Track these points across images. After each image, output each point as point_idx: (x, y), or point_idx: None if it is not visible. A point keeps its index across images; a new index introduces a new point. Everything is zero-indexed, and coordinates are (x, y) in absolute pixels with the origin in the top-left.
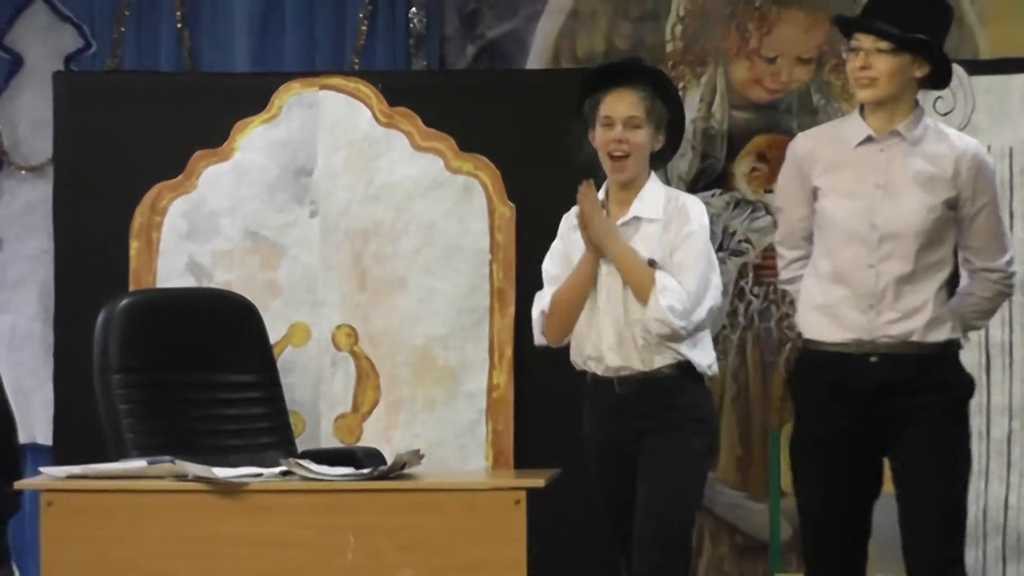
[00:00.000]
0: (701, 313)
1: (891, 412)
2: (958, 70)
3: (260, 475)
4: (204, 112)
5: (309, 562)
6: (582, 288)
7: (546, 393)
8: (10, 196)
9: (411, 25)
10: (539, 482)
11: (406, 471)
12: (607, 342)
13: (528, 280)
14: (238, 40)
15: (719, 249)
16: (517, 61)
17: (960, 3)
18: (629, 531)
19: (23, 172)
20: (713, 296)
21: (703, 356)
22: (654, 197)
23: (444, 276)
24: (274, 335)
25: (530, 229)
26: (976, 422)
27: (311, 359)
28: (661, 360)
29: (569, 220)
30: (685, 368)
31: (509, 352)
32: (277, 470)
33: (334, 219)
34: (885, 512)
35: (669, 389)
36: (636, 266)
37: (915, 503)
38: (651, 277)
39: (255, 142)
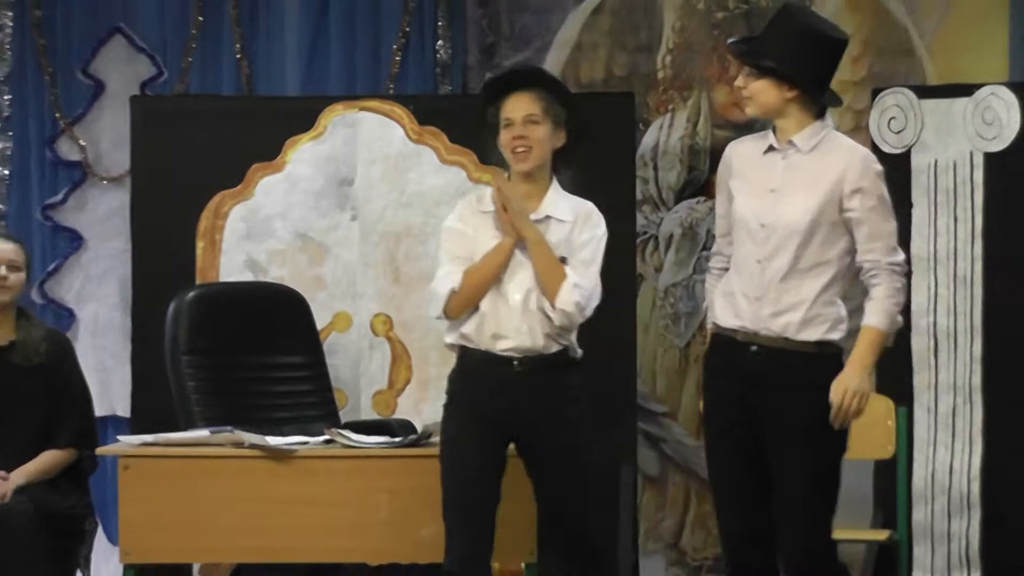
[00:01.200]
0: (592, 309)
1: (761, 403)
2: (909, 93)
3: (307, 443)
4: (260, 130)
5: (348, 519)
6: (497, 271)
7: None
8: (94, 203)
9: (438, 55)
10: None
11: (433, 439)
12: (513, 324)
13: None
14: (289, 68)
15: (703, 248)
16: None
17: (911, 37)
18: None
19: (105, 182)
20: (600, 294)
21: (576, 343)
22: (562, 201)
23: None
24: (320, 322)
25: None
26: (925, 398)
27: (352, 343)
28: (556, 345)
29: (473, 205)
30: (569, 352)
31: None
32: (321, 439)
33: (371, 223)
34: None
35: (559, 369)
36: (551, 257)
37: (779, 503)
38: (563, 272)
39: (304, 156)
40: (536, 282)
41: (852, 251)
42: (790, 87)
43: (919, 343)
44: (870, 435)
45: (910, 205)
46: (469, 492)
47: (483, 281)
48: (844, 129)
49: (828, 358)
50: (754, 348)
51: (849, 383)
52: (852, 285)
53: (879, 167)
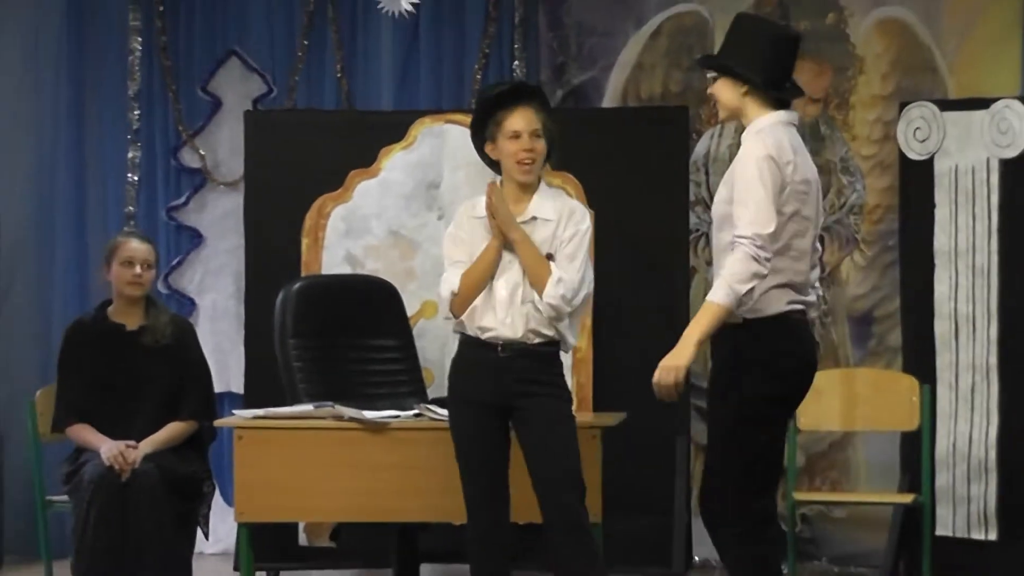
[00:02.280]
0: (579, 299)
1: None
2: (932, 107)
3: (398, 416)
4: (357, 141)
5: (432, 481)
6: (488, 270)
7: (614, 355)
8: (212, 205)
9: (514, 74)
10: (611, 421)
11: None
12: (499, 317)
13: (601, 266)
14: (384, 85)
15: None
16: (595, 101)
17: (934, 56)
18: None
19: (222, 187)
20: (588, 285)
21: (572, 335)
22: (547, 201)
23: None
24: (410, 310)
25: (604, 228)
26: (947, 376)
27: (438, 328)
28: (538, 337)
29: (468, 212)
30: (555, 343)
31: (589, 323)
32: (412, 412)
33: None
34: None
35: (540, 358)
36: (536, 255)
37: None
38: (548, 268)
39: (396, 163)
40: (525, 278)
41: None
42: (742, 83)
43: (941, 327)
44: (897, 410)
45: (933, 205)
46: (478, 469)
47: (477, 281)
48: (875, 138)
49: (730, 331)
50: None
51: (665, 360)
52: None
53: (761, 152)
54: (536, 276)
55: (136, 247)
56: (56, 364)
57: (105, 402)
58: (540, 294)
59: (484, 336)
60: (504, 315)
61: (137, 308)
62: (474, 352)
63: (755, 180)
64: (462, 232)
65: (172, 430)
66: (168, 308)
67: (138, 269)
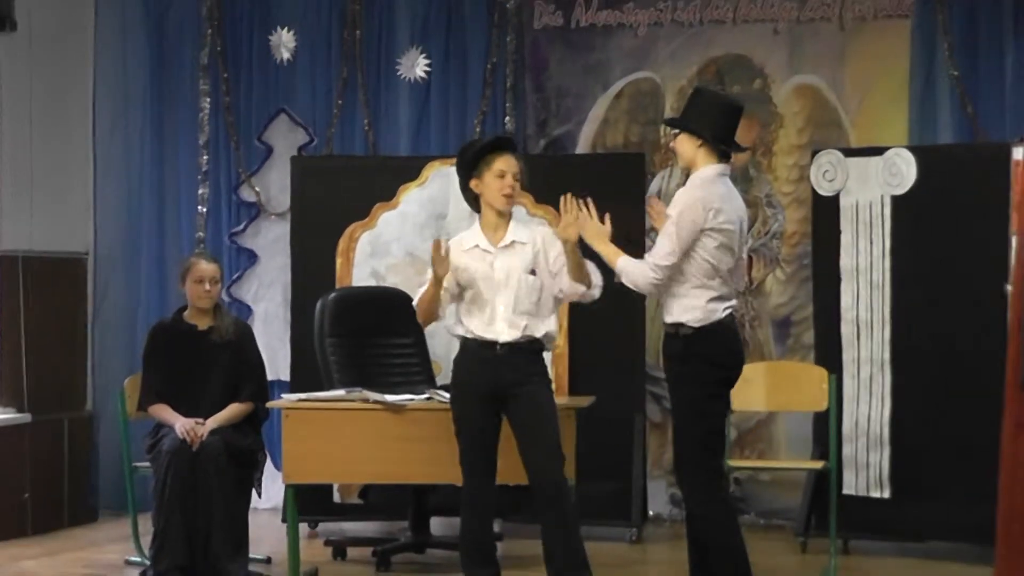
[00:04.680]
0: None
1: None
2: (838, 154)
3: (413, 399)
4: (381, 180)
5: (439, 451)
6: (430, 300)
7: (585, 350)
8: (265, 231)
9: (506, 127)
10: (583, 403)
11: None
12: (498, 328)
13: None
14: (402, 136)
15: None
16: (570, 148)
17: (840, 115)
18: (490, 445)
19: (273, 217)
20: (562, 292)
21: (550, 334)
22: (521, 228)
23: None
24: None
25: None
26: (851, 368)
27: (445, 330)
28: (525, 338)
29: (457, 246)
30: (541, 343)
31: (566, 324)
32: (424, 396)
33: None
34: (799, 420)
35: (529, 354)
36: (582, 262)
37: None
38: (587, 270)
39: (412, 198)
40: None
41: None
42: (698, 138)
43: (846, 329)
44: (811, 394)
45: (839, 232)
46: (473, 446)
47: (425, 306)
48: (792, 179)
49: (679, 337)
50: None
51: (589, 235)
52: (709, 278)
53: (691, 201)
54: (583, 274)
55: (205, 268)
56: (141, 356)
57: (180, 387)
58: (589, 285)
59: (487, 337)
60: (502, 325)
61: (207, 314)
62: (477, 350)
63: (675, 225)
64: (452, 261)
65: (233, 410)
66: (232, 313)
67: (207, 286)
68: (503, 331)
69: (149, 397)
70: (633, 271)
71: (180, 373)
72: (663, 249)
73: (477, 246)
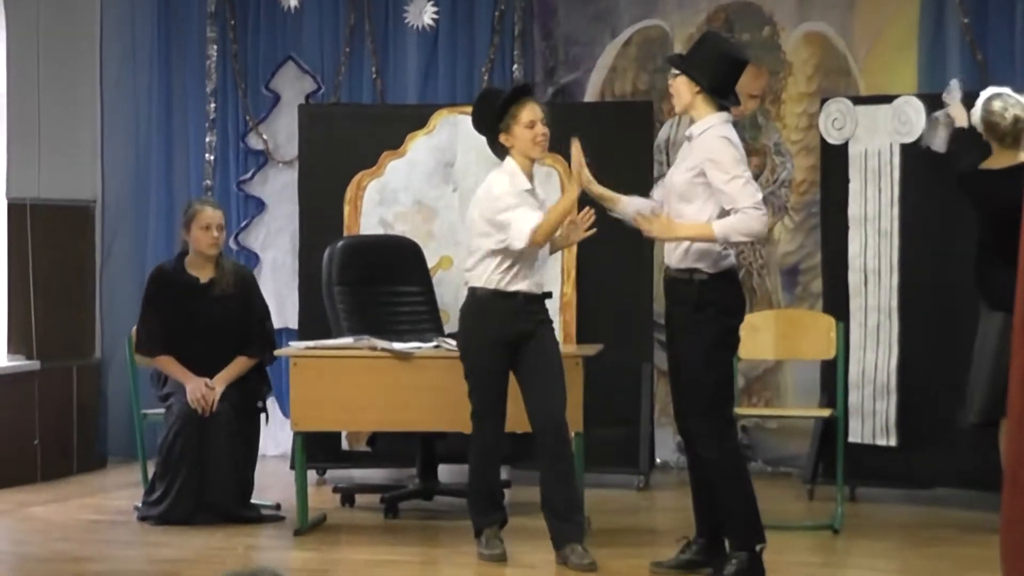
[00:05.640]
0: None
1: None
2: (847, 102)
3: (421, 347)
4: (389, 128)
5: (447, 399)
6: (565, 215)
7: (593, 299)
8: (273, 179)
9: (514, 75)
10: (591, 352)
11: None
12: (534, 278)
13: None
14: (410, 84)
15: None
16: (578, 97)
17: (849, 62)
18: (503, 393)
19: (280, 165)
20: None
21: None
22: (540, 178)
23: None
24: (431, 263)
25: (586, 199)
26: (859, 316)
27: (453, 277)
28: (542, 284)
29: (514, 188)
30: (549, 290)
31: (574, 273)
32: (431, 344)
33: (467, 193)
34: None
35: (543, 302)
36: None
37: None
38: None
39: (419, 146)
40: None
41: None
42: (696, 84)
43: (854, 278)
44: (818, 343)
45: (848, 181)
46: (485, 393)
47: (555, 223)
48: (801, 127)
49: (693, 283)
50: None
51: (659, 230)
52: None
53: (728, 141)
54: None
55: (212, 214)
56: (141, 300)
57: (184, 341)
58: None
59: (510, 289)
60: (529, 277)
61: (209, 262)
62: (497, 302)
63: (737, 162)
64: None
65: (239, 365)
66: (233, 260)
67: (215, 232)
68: (526, 283)
69: (152, 345)
70: (740, 225)
71: (183, 327)
72: (746, 190)
73: (529, 190)
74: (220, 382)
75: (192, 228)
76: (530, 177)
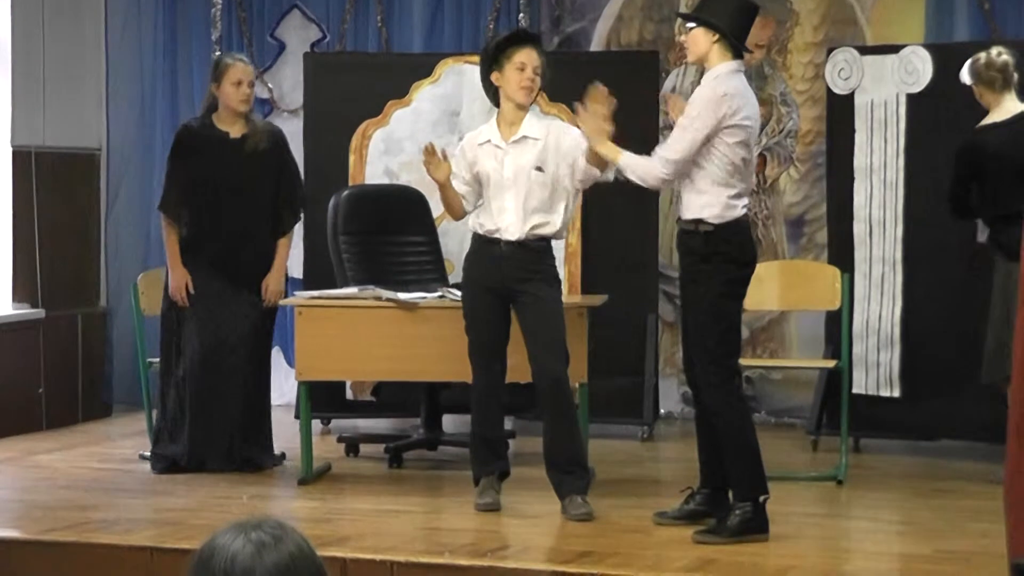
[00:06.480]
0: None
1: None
2: (853, 51)
3: (425, 297)
4: (394, 77)
5: (452, 349)
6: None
7: (598, 248)
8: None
9: (520, 23)
10: (596, 302)
11: None
12: (506, 223)
13: None
14: (416, 32)
15: None
16: (584, 46)
17: (855, 12)
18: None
19: (286, 113)
20: (577, 195)
21: (564, 228)
22: (536, 123)
23: None
24: (436, 213)
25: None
26: (863, 267)
27: (458, 228)
28: (539, 232)
29: (474, 139)
30: (547, 239)
31: (579, 224)
32: (436, 294)
33: None
34: (811, 318)
35: (535, 251)
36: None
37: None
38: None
39: (425, 96)
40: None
41: (716, 153)
42: (714, 32)
43: (859, 228)
44: (823, 293)
45: (854, 131)
46: (481, 341)
47: (447, 203)
48: (807, 77)
49: (699, 234)
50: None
51: (596, 143)
52: (730, 175)
53: (713, 95)
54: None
55: (244, 68)
56: (167, 158)
57: (214, 198)
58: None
59: (492, 235)
60: (508, 222)
61: (240, 119)
62: (484, 246)
63: (691, 119)
64: (467, 155)
65: (283, 251)
66: (263, 119)
67: (246, 88)
68: (508, 228)
69: (168, 205)
70: (640, 167)
71: (215, 183)
72: (676, 144)
73: (489, 141)
74: (276, 282)
75: (223, 83)
76: (510, 124)
